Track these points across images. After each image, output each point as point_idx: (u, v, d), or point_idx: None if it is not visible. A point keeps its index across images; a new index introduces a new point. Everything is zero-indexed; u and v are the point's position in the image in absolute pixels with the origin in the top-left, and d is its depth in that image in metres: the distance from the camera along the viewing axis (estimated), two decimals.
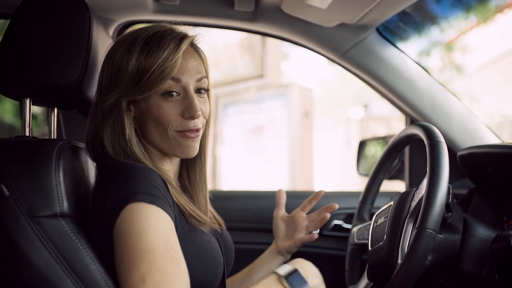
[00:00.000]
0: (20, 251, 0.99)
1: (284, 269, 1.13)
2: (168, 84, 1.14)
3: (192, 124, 1.17)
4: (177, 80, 1.15)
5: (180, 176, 1.34)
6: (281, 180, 7.13)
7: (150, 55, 1.11)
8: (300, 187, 6.99)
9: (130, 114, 1.17)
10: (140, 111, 1.17)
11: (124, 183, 1.04)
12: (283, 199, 1.60)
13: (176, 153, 1.21)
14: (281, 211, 1.59)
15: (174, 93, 1.15)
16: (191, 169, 1.33)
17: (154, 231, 0.99)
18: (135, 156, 1.15)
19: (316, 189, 2.13)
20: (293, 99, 7.14)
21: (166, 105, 1.15)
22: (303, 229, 1.55)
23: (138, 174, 1.05)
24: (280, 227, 1.58)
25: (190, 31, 1.22)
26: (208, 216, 1.29)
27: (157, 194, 1.04)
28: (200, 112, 1.17)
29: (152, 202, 1.01)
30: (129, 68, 1.11)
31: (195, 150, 1.22)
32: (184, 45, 1.15)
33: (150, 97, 1.15)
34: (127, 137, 1.15)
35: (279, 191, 1.61)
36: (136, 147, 1.16)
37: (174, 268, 0.98)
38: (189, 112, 1.16)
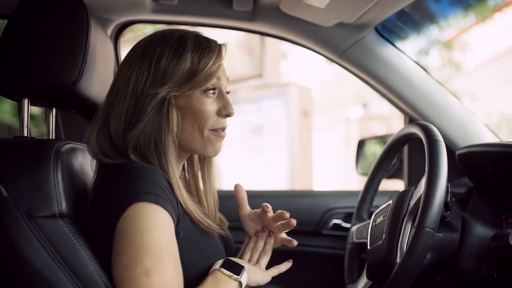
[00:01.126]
0: (19, 251, 0.99)
1: (217, 264, 1.14)
2: (212, 81, 1.20)
3: (225, 122, 1.25)
4: (218, 79, 1.22)
5: (188, 177, 1.36)
6: (280, 180, 7.14)
7: (204, 55, 1.18)
8: (299, 186, 7.00)
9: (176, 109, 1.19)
10: (178, 108, 1.19)
11: (128, 183, 1.04)
12: (243, 196, 1.43)
13: (206, 151, 1.24)
14: (246, 210, 1.43)
15: (212, 91, 1.21)
16: (200, 170, 1.36)
17: (158, 230, 0.99)
18: (163, 152, 1.16)
19: (316, 188, 2.13)
20: (292, 98, 7.14)
21: (207, 101, 1.20)
22: (276, 229, 1.38)
23: (143, 174, 1.06)
24: (251, 226, 1.43)
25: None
26: (214, 216, 1.30)
27: (161, 195, 1.04)
28: (234, 111, 1.25)
29: (156, 202, 1.02)
30: (182, 66, 1.16)
31: (220, 150, 1.27)
32: (224, 50, 1.23)
33: (193, 94, 1.19)
34: (174, 128, 1.17)
35: (237, 186, 1.43)
36: (171, 143, 1.17)
37: (174, 269, 0.99)
38: (226, 110, 1.23)
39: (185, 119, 1.20)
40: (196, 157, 1.36)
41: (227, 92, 1.28)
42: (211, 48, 1.20)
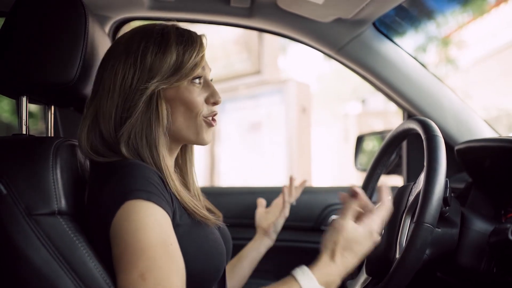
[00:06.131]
0: (18, 249, 0.99)
1: (302, 275, 1.07)
2: (198, 72, 1.22)
3: (215, 108, 1.27)
4: (203, 69, 1.24)
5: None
6: (278, 176, 7.14)
7: (188, 47, 1.20)
8: (298, 182, 6.99)
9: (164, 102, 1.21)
10: (168, 99, 1.20)
11: (120, 181, 1.03)
12: (263, 204, 1.84)
13: (197, 140, 1.25)
14: (262, 209, 1.82)
15: (198, 80, 1.23)
16: (181, 158, 1.37)
17: (152, 227, 0.99)
18: (155, 145, 1.16)
19: (314, 184, 2.15)
20: (290, 95, 7.14)
21: (195, 91, 1.22)
22: (287, 203, 1.77)
23: (134, 172, 1.05)
24: (263, 216, 1.79)
25: (187, 27, 1.27)
26: (203, 206, 1.30)
27: (153, 191, 1.04)
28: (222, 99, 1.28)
29: (149, 199, 1.01)
30: (168, 59, 1.17)
31: (211, 139, 1.29)
32: (205, 41, 1.25)
33: (182, 84, 1.20)
34: (164, 121, 1.18)
35: (259, 200, 1.85)
36: (162, 136, 1.18)
37: (172, 264, 0.98)
38: (213, 98, 1.25)
39: (177, 110, 1.21)
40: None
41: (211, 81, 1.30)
42: (193, 40, 1.22)
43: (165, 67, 1.17)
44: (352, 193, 1.16)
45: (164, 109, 1.18)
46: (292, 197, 1.82)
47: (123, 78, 1.17)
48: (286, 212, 1.77)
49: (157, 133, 1.17)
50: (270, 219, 1.76)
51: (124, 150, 1.15)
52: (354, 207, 1.11)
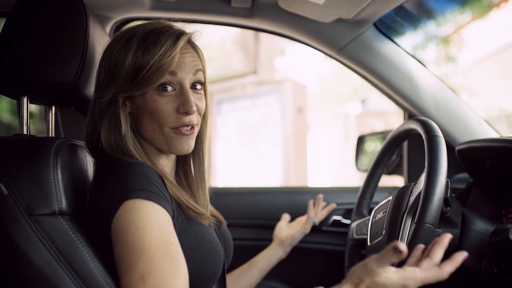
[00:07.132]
0: (19, 249, 0.99)
1: None
2: (165, 78, 1.15)
3: (187, 119, 1.18)
4: (173, 73, 1.16)
5: (177, 173, 1.34)
6: (275, 176, 7.14)
7: (147, 51, 1.12)
8: (294, 182, 7.00)
9: (125, 110, 1.18)
10: (136, 107, 1.18)
11: (120, 180, 1.03)
12: (286, 219, 1.86)
13: (170, 150, 1.21)
14: (284, 222, 1.84)
15: (169, 87, 1.16)
16: (188, 166, 1.34)
17: (152, 227, 0.98)
18: (129, 152, 1.15)
19: (310, 184, 2.16)
20: (286, 95, 7.13)
21: (161, 100, 1.16)
22: (310, 221, 1.81)
23: (134, 171, 1.05)
24: (283, 228, 1.80)
25: (187, 27, 1.22)
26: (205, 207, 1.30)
27: (153, 190, 1.03)
28: (195, 108, 1.18)
29: (148, 198, 1.01)
30: (126, 64, 1.12)
31: (190, 147, 1.22)
32: (181, 42, 1.15)
33: (147, 92, 1.15)
34: (122, 133, 1.16)
35: (284, 215, 1.87)
36: (131, 143, 1.16)
37: (173, 264, 0.98)
38: (184, 108, 1.16)
39: (144, 119, 1.18)
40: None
41: (196, 85, 1.21)
42: (158, 43, 1.12)
43: (123, 73, 1.13)
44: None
45: (122, 117, 1.16)
46: (317, 217, 1.84)
47: (97, 83, 1.18)
48: (307, 229, 1.79)
49: (126, 141, 1.16)
50: (289, 231, 1.77)
51: (110, 152, 1.15)
52: (394, 260, 0.97)
